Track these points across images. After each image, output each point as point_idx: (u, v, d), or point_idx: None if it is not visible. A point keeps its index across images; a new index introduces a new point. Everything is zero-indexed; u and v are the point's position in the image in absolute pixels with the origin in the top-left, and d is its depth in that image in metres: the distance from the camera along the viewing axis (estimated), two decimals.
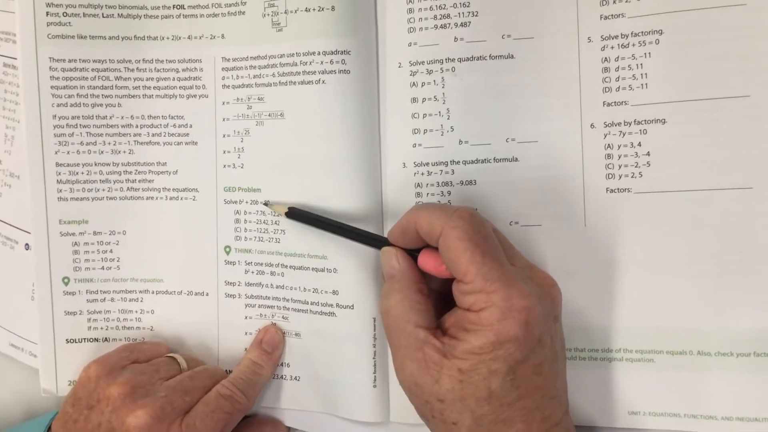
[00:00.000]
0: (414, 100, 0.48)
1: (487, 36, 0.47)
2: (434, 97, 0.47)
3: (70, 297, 0.52)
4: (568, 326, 0.43)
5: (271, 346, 0.50)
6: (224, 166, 0.51)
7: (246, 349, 0.50)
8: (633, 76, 0.45)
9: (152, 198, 0.52)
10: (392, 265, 0.42)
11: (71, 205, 0.51)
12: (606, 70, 0.45)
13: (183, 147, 0.51)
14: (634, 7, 0.45)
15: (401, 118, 0.48)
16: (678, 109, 0.44)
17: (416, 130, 0.48)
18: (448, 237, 0.38)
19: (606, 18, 0.45)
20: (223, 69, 0.50)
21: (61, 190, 0.51)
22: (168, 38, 0.51)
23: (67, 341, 0.52)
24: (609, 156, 0.45)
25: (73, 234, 0.51)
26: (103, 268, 0.52)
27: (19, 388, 0.55)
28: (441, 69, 0.47)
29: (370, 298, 0.48)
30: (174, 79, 0.51)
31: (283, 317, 0.50)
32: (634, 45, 0.45)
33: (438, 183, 0.48)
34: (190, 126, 0.51)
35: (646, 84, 0.45)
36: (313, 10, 0.47)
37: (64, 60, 0.50)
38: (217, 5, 0.50)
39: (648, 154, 0.45)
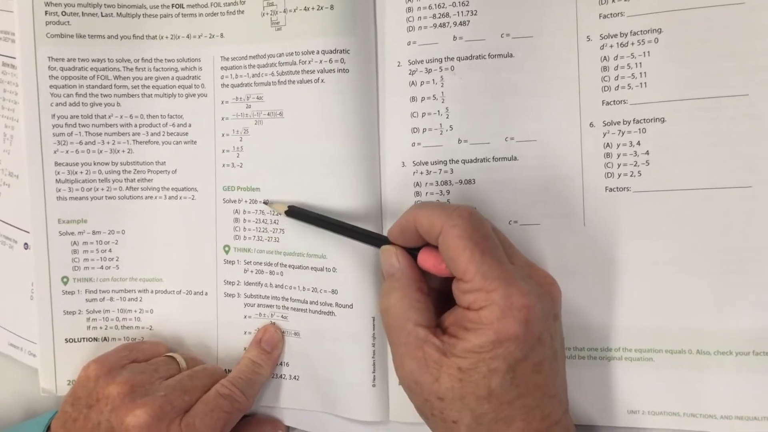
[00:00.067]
0: (413, 99, 0.48)
1: (486, 35, 0.47)
2: (433, 96, 0.47)
3: (69, 296, 0.52)
4: (567, 325, 0.43)
5: (270, 346, 0.50)
6: (223, 166, 0.51)
7: (245, 348, 0.50)
8: (632, 75, 0.45)
9: (151, 197, 0.52)
10: (392, 264, 0.42)
11: (70, 204, 0.51)
12: (605, 69, 0.45)
13: (182, 146, 0.51)
14: (633, 6, 0.45)
15: (400, 117, 0.48)
16: (677, 107, 0.44)
17: (415, 129, 0.48)
18: (447, 235, 0.38)
19: (605, 17, 0.45)
20: (222, 68, 0.50)
21: (60, 190, 0.51)
22: (167, 37, 0.51)
23: (67, 341, 0.52)
24: (608, 155, 0.45)
25: (72, 233, 0.51)
26: (102, 267, 0.52)
27: (18, 387, 0.55)
28: (440, 68, 0.47)
29: (370, 298, 0.48)
30: (173, 78, 0.51)
31: (282, 316, 0.50)
32: (633, 44, 0.45)
33: (437, 182, 0.48)
34: (189, 125, 0.51)
35: (646, 83, 0.45)
36: (312, 9, 0.47)
37: (63, 59, 0.50)
38: (216, 4, 0.50)
39: (647, 153, 0.45)
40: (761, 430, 0.44)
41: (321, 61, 0.47)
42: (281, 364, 0.50)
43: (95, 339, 0.52)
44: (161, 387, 0.46)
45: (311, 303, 0.49)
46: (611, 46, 0.45)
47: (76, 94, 0.50)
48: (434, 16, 0.47)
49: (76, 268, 0.51)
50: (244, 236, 0.51)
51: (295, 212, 0.47)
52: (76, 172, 0.51)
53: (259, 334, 0.50)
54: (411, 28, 0.47)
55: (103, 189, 0.51)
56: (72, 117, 0.50)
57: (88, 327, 0.52)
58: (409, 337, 0.39)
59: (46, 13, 0.50)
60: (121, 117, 0.51)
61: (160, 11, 0.50)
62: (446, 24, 0.47)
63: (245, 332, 0.51)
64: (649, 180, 0.45)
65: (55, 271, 0.51)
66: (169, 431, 0.43)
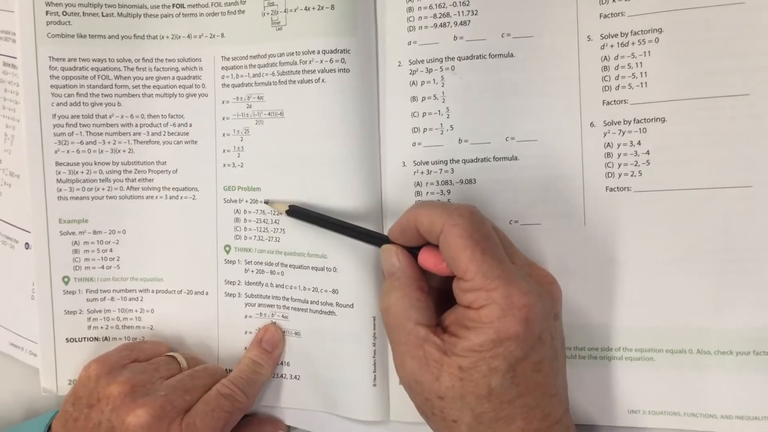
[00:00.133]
0: (414, 98, 0.48)
1: (486, 35, 0.47)
2: (434, 95, 0.47)
3: (70, 296, 0.52)
4: (567, 325, 0.43)
5: (271, 345, 0.50)
6: (224, 165, 0.51)
7: (246, 348, 0.50)
8: (633, 74, 0.45)
9: (152, 197, 0.52)
10: (392, 263, 0.42)
11: (71, 204, 0.51)
12: (606, 68, 0.45)
13: (183, 146, 0.51)
14: (633, 5, 0.45)
15: (401, 117, 0.48)
16: (678, 107, 0.44)
17: (416, 129, 0.48)
18: (448, 234, 0.39)
19: (605, 17, 0.45)
20: (222, 68, 0.50)
21: (61, 189, 0.51)
22: (168, 37, 0.51)
23: (67, 340, 0.52)
24: (609, 155, 0.45)
25: (73, 233, 0.51)
26: (103, 267, 0.52)
27: (19, 387, 0.55)
28: (441, 68, 0.47)
29: (370, 297, 0.48)
30: (174, 78, 0.51)
31: (282, 316, 0.50)
32: (633, 44, 0.45)
33: (438, 182, 0.48)
34: (190, 125, 0.51)
35: (646, 83, 0.45)
36: (313, 8, 0.47)
37: (63, 59, 0.50)
38: (216, 4, 0.50)
39: (648, 152, 0.45)
40: (762, 429, 0.44)
41: (322, 61, 0.48)
42: (282, 363, 0.50)
43: (96, 339, 0.52)
44: (162, 387, 0.46)
45: (312, 303, 0.49)
46: (612, 46, 0.45)
47: (77, 93, 0.50)
48: (435, 15, 0.47)
49: (77, 268, 0.51)
50: (245, 236, 0.51)
51: (296, 212, 0.47)
52: (77, 172, 0.51)
53: (259, 333, 0.50)
54: (411, 28, 0.47)
55: (103, 189, 0.51)
56: (73, 117, 0.51)
57: (89, 327, 0.52)
58: (410, 336, 0.39)
59: (46, 13, 0.50)
60: (122, 117, 0.51)
61: (161, 11, 0.51)
62: (447, 24, 0.47)
63: (246, 332, 0.51)
64: (649, 180, 0.45)
65: (56, 270, 0.51)
66: (169, 431, 0.43)
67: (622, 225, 0.45)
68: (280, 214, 0.49)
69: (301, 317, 0.50)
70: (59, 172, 0.51)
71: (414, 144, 0.48)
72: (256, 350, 0.50)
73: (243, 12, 0.50)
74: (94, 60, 0.50)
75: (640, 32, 0.45)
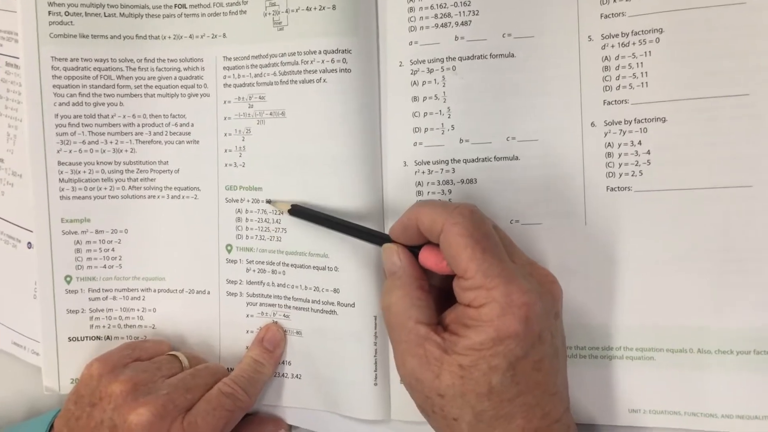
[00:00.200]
0: (415, 98, 0.48)
1: (487, 35, 0.47)
2: (435, 95, 0.47)
3: (72, 295, 0.52)
4: (568, 324, 0.43)
5: (272, 345, 0.50)
6: (226, 165, 0.51)
7: (247, 347, 0.51)
8: (633, 74, 0.45)
9: (154, 197, 0.52)
10: (393, 262, 0.43)
11: (73, 203, 0.51)
12: (606, 68, 0.45)
13: (184, 146, 0.51)
14: (634, 5, 0.45)
15: (402, 117, 0.48)
16: (678, 107, 0.44)
17: (417, 129, 0.48)
18: (448, 233, 0.39)
19: (606, 17, 0.45)
20: (224, 68, 0.51)
21: (63, 189, 0.51)
22: (169, 37, 0.51)
23: (70, 339, 0.52)
24: (609, 154, 0.46)
25: (75, 232, 0.51)
26: (105, 266, 0.52)
27: (21, 386, 0.55)
28: (442, 68, 0.47)
29: (371, 297, 0.48)
30: (175, 78, 0.51)
31: (284, 315, 0.50)
32: (634, 44, 0.45)
33: (439, 181, 0.48)
34: (192, 125, 0.51)
35: (647, 83, 0.45)
36: (314, 9, 0.48)
37: (66, 59, 0.50)
38: (218, 4, 0.50)
39: (648, 152, 0.45)
40: (762, 429, 0.44)
41: (323, 61, 0.48)
42: (283, 362, 0.51)
43: (98, 338, 0.52)
44: (164, 385, 0.46)
45: (313, 302, 0.49)
46: (612, 46, 0.45)
47: (79, 93, 0.51)
48: (436, 16, 0.47)
49: (79, 267, 0.52)
50: (247, 235, 0.51)
51: (298, 211, 0.48)
52: (79, 172, 0.51)
53: (261, 333, 0.50)
54: (413, 28, 0.48)
55: (106, 188, 0.51)
56: (75, 117, 0.51)
57: (91, 326, 0.52)
58: (410, 335, 0.39)
59: (49, 13, 0.50)
60: (124, 117, 0.51)
61: (163, 11, 0.51)
62: (448, 24, 0.47)
63: (247, 331, 0.51)
64: (650, 179, 0.45)
65: (58, 270, 0.51)
66: (171, 430, 0.44)
67: (622, 224, 0.45)
68: (282, 213, 0.49)
69: (303, 316, 0.50)
70: (61, 172, 0.51)
71: (415, 144, 0.48)
72: (258, 349, 0.50)
73: (245, 12, 0.50)
74: (96, 60, 0.50)
75: (640, 32, 0.45)
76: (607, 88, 0.45)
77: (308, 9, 0.48)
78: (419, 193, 0.48)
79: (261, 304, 0.51)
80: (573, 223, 0.46)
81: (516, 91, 0.46)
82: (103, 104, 0.51)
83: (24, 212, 0.53)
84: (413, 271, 0.42)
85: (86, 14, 0.50)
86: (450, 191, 0.48)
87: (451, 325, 0.39)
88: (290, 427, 0.52)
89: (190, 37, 0.51)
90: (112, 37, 0.50)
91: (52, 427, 0.47)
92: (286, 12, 0.48)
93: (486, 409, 0.37)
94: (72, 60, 0.50)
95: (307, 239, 0.49)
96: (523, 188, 0.47)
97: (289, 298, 0.50)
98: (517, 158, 0.47)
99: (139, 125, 0.51)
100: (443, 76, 0.47)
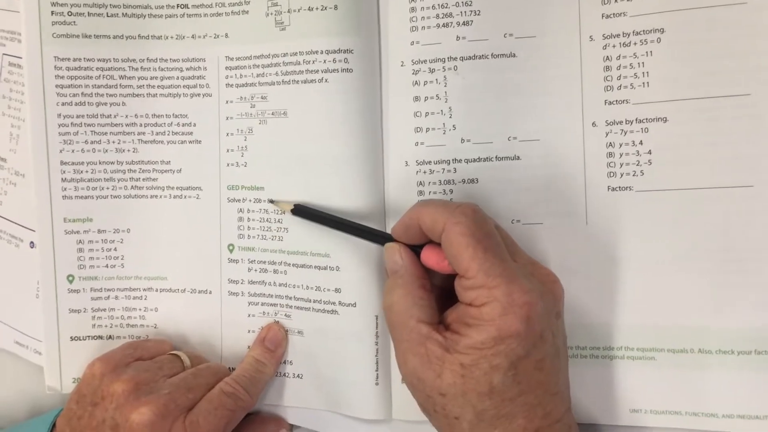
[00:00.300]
0: (416, 98, 0.48)
1: (489, 35, 0.47)
2: (436, 95, 0.47)
3: (75, 295, 0.52)
4: (569, 324, 0.43)
5: (274, 344, 0.50)
6: (228, 165, 0.51)
7: (249, 346, 0.51)
8: (634, 74, 0.45)
9: (156, 196, 0.52)
10: (395, 261, 0.43)
11: (76, 203, 0.51)
12: (608, 68, 0.45)
13: (187, 146, 0.52)
14: (635, 5, 0.45)
15: (403, 117, 0.48)
16: (679, 107, 0.44)
17: (418, 129, 0.48)
18: (450, 233, 0.39)
19: (608, 17, 0.45)
20: (226, 68, 0.51)
21: (65, 189, 0.51)
22: (172, 37, 0.51)
23: (72, 339, 0.52)
24: (610, 154, 0.46)
25: (78, 232, 0.51)
26: (107, 266, 0.52)
27: (23, 385, 0.55)
28: (443, 68, 0.47)
29: (373, 296, 0.48)
30: (178, 78, 0.51)
31: (285, 315, 0.50)
32: (635, 44, 0.45)
33: (440, 181, 0.48)
34: (194, 125, 0.51)
35: (648, 83, 0.45)
36: (316, 9, 0.48)
37: (68, 59, 0.50)
38: (220, 4, 0.50)
39: (649, 152, 0.45)
40: (763, 429, 0.44)
41: (325, 61, 0.48)
42: (285, 362, 0.51)
43: (100, 337, 0.52)
44: (165, 385, 0.46)
45: (315, 302, 0.49)
46: (614, 46, 0.45)
47: (81, 93, 0.51)
48: (437, 16, 0.47)
49: (82, 267, 0.52)
50: (249, 235, 0.51)
51: (301, 210, 0.48)
52: (81, 171, 0.51)
53: (262, 332, 0.50)
54: (414, 28, 0.48)
55: (108, 188, 0.52)
56: (78, 116, 0.51)
57: (93, 325, 0.52)
58: (412, 334, 0.39)
59: (52, 14, 0.50)
60: (127, 116, 0.51)
61: (165, 11, 0.51)
62: (449, 24, 0.47)
63: (249, 331, 0.51)
64: (651, 179, 0.45)
65: (60, 269, 0.52)
66: (173, 429, 0.44)
67: (623, 224, 0.45)
68: (284, 213, 0.49)
69: (304, 316, 0.50)
70: (64, 172, 0.51)
71: (417, 143, 0.48)
72: (259, 349, 0.50)
73: (247, 12, 0.50)
74: (98, 60, 0.51)
75: (642, 32, 0.45)
76: (609, 88, 0.45)
77: (310, 9, 0.48)
78: (421, 192, 0.48)
79: (263, 304, 0.51)
80: (574, 222, 0.46)
81: (517, 91, 0.46)
82: (105, 104, 0.51)
83: (27, 212, 0.54)
84: (415, 270, 0.42)
85: (89, 14, 0.50)
86: (451, 191, 0.48)
87: (453, 324, 0.39)
88: (291, 426, 0.52)
89: (193, 37, 0.51)
90: (114, 37, 0.51)
91: (54, 426, 0.47)
92: (288, 12, 0.48)
93: (487, 408, 0.37)
94: (75, 60, 0.50)
95: (309, 239, 0.49)
96: (524, 188, 0.47)
97: (290, 298, 0.50)
98: (518, 158, 0.47)
99: (141, 125, 0.52)
100: (445, 76, 0.47)
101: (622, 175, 0.45)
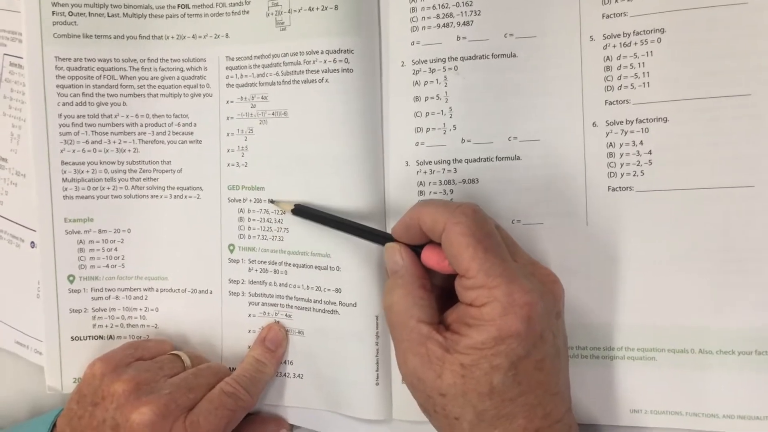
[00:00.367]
0: (417, 98, 0.48)
1: (489, 35, 0.47)
2: (437, 95, 0.47)
3: (75, 295, 0.52)
4: (569, 324, 0.43)
5: (274, 344, 0.50)
6: (228, 165, 0.51)
7: (249, 346, 0.51)
8: (635, 74, 0.45)
9: (157, 196, 0.52)
10: (395, 261, 0.43)
11: (76, 203, 0.51)
12: (608, 68, 0.45)
13: (187, 146, 0.52)
14: (636, 5, 0.45)
15: (404, 117, 0.48)
16: (680, 107, 0.44)
17: (419, 129, 0.48)
18: (450, 233, 0.39)
19: (608, 17, 0.45)
20: (227, 68, 0.51)
21: (66, 189, 0.51)
22: (172, 37, 0.51)
23: (72, 339, 0.52)
24: (611, 154, 0.46)
25: (78, 232, 0.52)
26: (108, 266, 0.52)
27: (24, 385, 0.55)
28: (444, 68, 0.47)
29: (373, 297, 0.48)
30: (178, 78, 0.51)
31: (286, 315, 0.50)
32: (636, 44, 0.45)
33: (440, 181, 0.48)
34: (195, 125, 0.51)
35: (648, 83, 0.45)
36: (317, 9, 0.48)
37: (69, 59, 0.50)
38: (221, 5, 0.50)
39: (650, 152, 0.45)
40: (763, 429, 0.44)
41: (325, 61, 0.48)
42: (285, 362, 0.51)
43: (101, 337, 0.52)
44: (166, 385, 0.46)
45: (315, 302, 0.49)
46: (614, 46, 0.45)
47: (82, 93, 0.51)
48: (438, 16, 0.47)
49: (82, 267, 0.52)
50: (249, 235, 0.51)
51: (301, 210, 0.48)
52: (82, 171, 0.51)
53: (263, 332, 0.50)
54: (415, 28, 0.48)
55: (109, 188, 0.52)
56: (78, 116, 0.51)
57: (94, 325, 0.52)
58: (412, 334, 0.39)
59: (53, 14, 0.50)
60: (127, 116, 0.51)
61: (166, 12, 0.51)
62: (450, 24, 0.47)
63: (249, 331, 0.51)
64: (651, 179, 0.45)
65: (61, 269, 0.52)
66: (173, 429, 0.44)
67: (624, 224, 0.45)
68: (285, 213, 0.49)
69: (305, 316, 0.50)
70: (65, 172, 0.51)
71: (417, 144, 0.48)
72: (260, 349, 0.50)
73: (247, 12, 0.50)
74: (99, 60, 0.51)
75: (642, 32, 0.45)
76: (609, 88, 0.45)
77: (311, 9, 0.48)
78: (421, 192, 0.48)
79: (263, 304, 0.51)
80: (574, 223, 0.46)
81: (517, 91, 0.46)
82: (106, 104, 0.51)
83: (27, 212, 0.54)
84: (415, 270, 0.42)
85: (90, 14, 0.50)
86: (452, 191, 0.48)
87: (453, 325, 0.39)
88: (292, 426, 0.52)
89: (193, 37, 0.51)
90: (115, 37, 0.51)
91: (54, 426, 0.47)
92: (289, 12, 0.49)
93: (487, 408, 0.37)
94: (75, 60, 0.50)
95: (309, 239, 0.49)
96: (524, 188, 0.47)
97: (291, 298, 0.50)
98: (518, 158, 0.47)
99: (142, 125, 0.52)
100: (445, 76, 0.47)
101: (622, 175, 0.45)
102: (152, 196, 0.52)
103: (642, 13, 0.45)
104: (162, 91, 0.51)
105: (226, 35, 0.51)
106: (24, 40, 0.50)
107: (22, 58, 0.52)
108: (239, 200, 0.51)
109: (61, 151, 0.51)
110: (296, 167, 0.49)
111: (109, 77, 0.51)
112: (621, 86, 0.45)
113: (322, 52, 0.48)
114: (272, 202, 0.50)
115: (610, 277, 0.46)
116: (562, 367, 0.41)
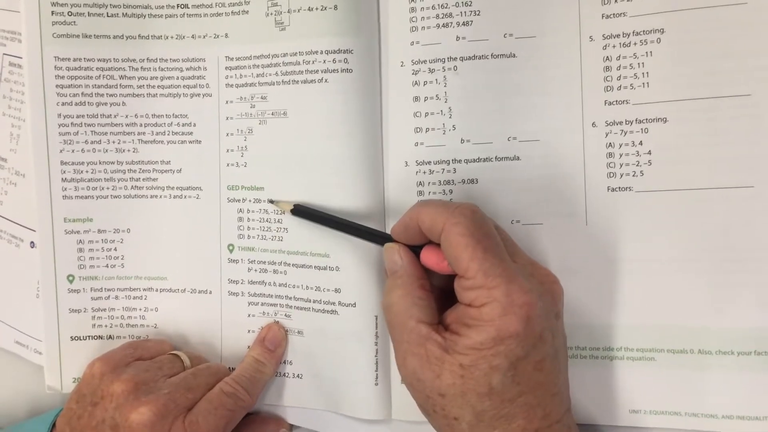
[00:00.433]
0: (416, 98, 0.48)
1: (489, 35, 0.47)
2: (436, 95, 0.47)
3: (75, 295, 0.52)
4: (569, 325, 0.43)
5: (273, 344, 0.50)
6: (227, 165, 0.51)
7: (249, 346, 0.51)
8: (634, 75, 0.45)
9: (156, 196, 0.52)
10: (395, 261, 0.43)
11: (76, 203, 0.51)
12: (607, 69, 0.45)
13: (187, 146, 0.52)
14: (635, 6, 0.45)
15: (403, 117, 0.48)
16: (679, 107, 0.44)
17: (418, 129, 0.48)
18: (449, 233, 0.39)
19: (608, 17, 0.45)
20: (226, 68, 0.51)
21: (66, 189, 0.51)
22: (172, 37, 0.51)
23: (72, 338, 0.52)
24: (610, 155, 0.46)
25: (78, 232, 0.52)
26: (107, 266, 0.52)
27: (23, 385, 0.55)
28: (443, 68, 0.47)
29: (372, 297, 0.48)
30: (178, 78, 0.51)
31: (285, 315, 0.50)
32: (635, 44, 0.45)
33: (440, 182, 0.48)
34: (194, 125, 0.51)
35: (648, 83, 0.45)
36: (316, 9, 0.48)
37: (69, 59, 0.50)
38: (220, 5, 0.50)
39: (649, 152, 0.45)
40: (763, 429, 0.44)
41: (325, 61, 0.48)
42: (284, 362, 0.51)
43: (100, 337, 0.52)
44: (165, 385, 0.46)
45: (314, 302, 0.49)
46: (614, 46, 0.45)
47: (81, 93, 0.51)
48: (437, 16, 0.47)
49: (82, 267, 0.52)
50: (248, 235, 0.51)
51: (301, 211, 0.48)
52: (81, 171, 0.51)
53: (262, 332, 0.50)
54: (414, 29, 0.48)
55: (108, 188, 0.52)
56: (78, 116, 0.51)
57: (94, 325, 0.52)
58: (412, 334, 0.39)
59: (52, 14, 0.50)
60: (127, 116, 0.51)
61: (166, 11, 0.51)
62: (449, 24, 0.47)
63: (249, 331, 0.51)
64: (651, 180, 0.45)
65: (60, 269, 0.52)
66: (172, 429, 0.44)
67: (623, 225, 0.45)
68: (284, 213, 0.49)
69: (304, 316, 0.50)
70: (64, 172, 0.51)
71: (416, 144, 0.48)
72: (259, 349, 0.50)
73: (247, 12, 0.50)
74: (99, 60, 0.51)
75: (642, 32, 0.45)
76: (609, 88, 0.45)
77: (310, 9, 0.48)
78: (420, 193, 0.48)
79: (262, 304, 0.51)
80: (574, 223, 0.46)
81: (517, 91, 0.46)
82: (105, 104, 0.51)
83: (27, 212, 0.54)
84: (414, 270, 0.42)
85: (89, 14, 0.50)
86: (451, 191, 0.48)
87: (452, 325, 0.39)
88: (291, 426, 0.52)
89: (193, 37, 0.51)
90: (114, 37, 0.51)
91: (54, 426, 0.47)
92: (288, 12, 0.49)
93: (486, 408, 0.37)
94: (75, 60, 0.50)
95: (309, 239, 0.49)
96: (524, 188, 0.47)
97: (290, 298, 0.50)
98: (518, 158, 0.47)
99: (141, 125, 0.52)
100: (444, 76, 0.47)
101: (622, 176, 0.45)
102: (152, 196, 0.52)
103: (642, 13, 0.45)
104: (161, 91, 0.51)
105: (226, 35, 0.51)
106: (23, 40, 0.50)
107: (21, 57, 0.52)
108: (239, 200, 0.51)
109: (61, 151, 0.51)
110: (295, 167, 0.49)
111: (108, 77, 0.51)
112: (620, 86, 0.45)
113: (322, 52, 0.48)
114: (272, 202, 0.50)
115: (609, 278, 0.46)
116: (562, 367, 0.41)
